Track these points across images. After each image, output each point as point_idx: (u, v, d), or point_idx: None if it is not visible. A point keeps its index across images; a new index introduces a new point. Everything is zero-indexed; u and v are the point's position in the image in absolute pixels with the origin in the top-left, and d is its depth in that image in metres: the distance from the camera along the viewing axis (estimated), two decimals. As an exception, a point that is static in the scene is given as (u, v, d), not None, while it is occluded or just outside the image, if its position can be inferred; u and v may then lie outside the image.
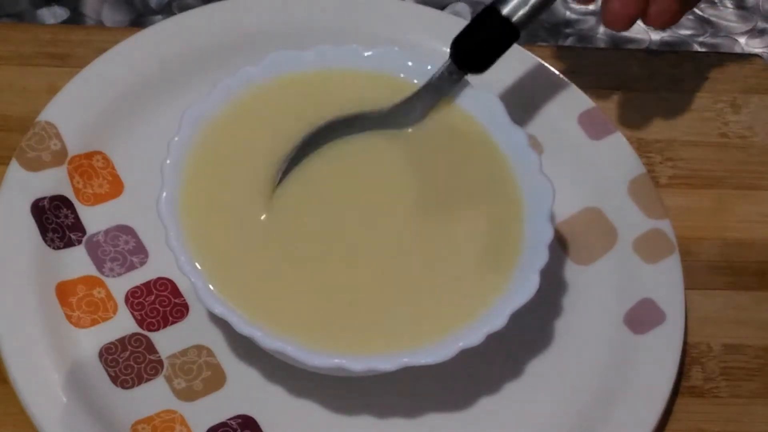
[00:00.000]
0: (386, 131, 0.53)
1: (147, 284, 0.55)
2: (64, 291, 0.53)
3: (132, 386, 0.52)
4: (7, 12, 0.65)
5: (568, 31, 0.69)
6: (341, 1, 0.62)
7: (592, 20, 0.69)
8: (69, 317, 0.53)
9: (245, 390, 0.53)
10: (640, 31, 0.69)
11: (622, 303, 0.56)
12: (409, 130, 0.53)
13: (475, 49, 0.53)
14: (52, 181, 0.55)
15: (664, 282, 0.56)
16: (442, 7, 0.68)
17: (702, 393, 0.55)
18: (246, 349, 0.53)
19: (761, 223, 0.61)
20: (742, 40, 0.69)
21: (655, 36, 0.69)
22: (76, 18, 0.65)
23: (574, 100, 0.61)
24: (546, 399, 0.54)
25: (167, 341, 0.53)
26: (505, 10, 0.52)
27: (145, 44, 0.59)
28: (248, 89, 0.53)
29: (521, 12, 0.52)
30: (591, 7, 0.68)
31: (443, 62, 0.53)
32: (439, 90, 0.53)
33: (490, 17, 0.52)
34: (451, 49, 0.52)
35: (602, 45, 0.67)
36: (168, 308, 0.54)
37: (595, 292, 0.56)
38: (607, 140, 0.60)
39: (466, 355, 0.48)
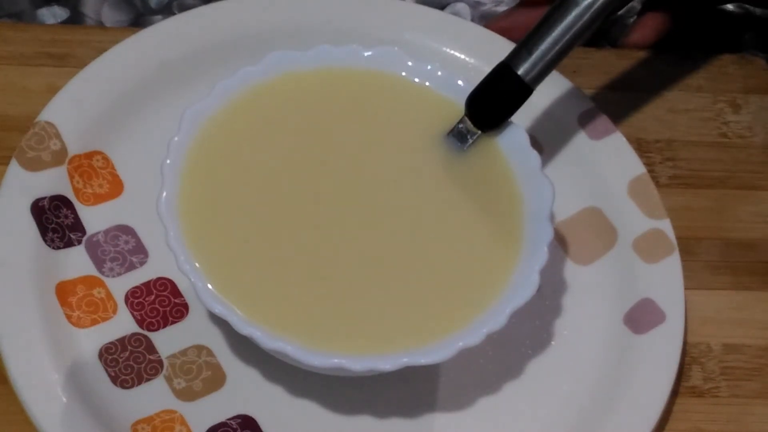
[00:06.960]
0: None
1: (147, 284, 0.55)
2: (64, 291, 0.53)
3: (132, 386, 0.52)
4: (7, 12, 0.65)
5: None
6: (341, 1, 0.62)
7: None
8: (69, 317, 0.53)
9: (245, 390, 0.52)
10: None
11: (622, 303, 0.56)
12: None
13: (491, 111, 0.53)
14: (52, 181, 0.55)
15: (664, 282, 0.56)
16: (442, 7, 0.68)
17: (702, 393, 0.55)
18: (246, 349, 0.53)
19: (761, 223, 0.60)
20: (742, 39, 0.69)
21: (655, 36, 0.69)
22: (76, 18, 0.65)
23: (574, 100, 0.60)
24: (546, 399, 0.54)
25: (167, 341, 0.53)
26: (520, 70, 0.52)
27: (145, 44, 0.59)
28: (248, 89, 0.53)
29: (534, 72, 0.52)
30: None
31: (458, 118, 0.53)
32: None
33: (505, 75, 0.52)
34: (466, 107, 0.53)
35: (602, 45, 0.67)
36: (168, 308, 0.54)
37: (595, 292, 0.56)
38: (607, 140, 0.60)
39: (466, 355, 0.48)
